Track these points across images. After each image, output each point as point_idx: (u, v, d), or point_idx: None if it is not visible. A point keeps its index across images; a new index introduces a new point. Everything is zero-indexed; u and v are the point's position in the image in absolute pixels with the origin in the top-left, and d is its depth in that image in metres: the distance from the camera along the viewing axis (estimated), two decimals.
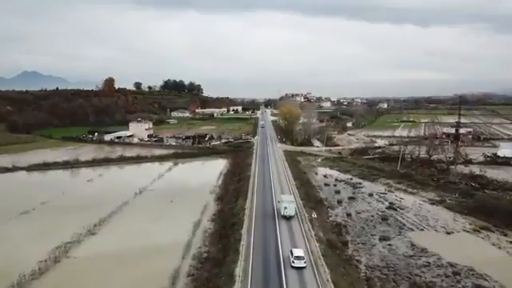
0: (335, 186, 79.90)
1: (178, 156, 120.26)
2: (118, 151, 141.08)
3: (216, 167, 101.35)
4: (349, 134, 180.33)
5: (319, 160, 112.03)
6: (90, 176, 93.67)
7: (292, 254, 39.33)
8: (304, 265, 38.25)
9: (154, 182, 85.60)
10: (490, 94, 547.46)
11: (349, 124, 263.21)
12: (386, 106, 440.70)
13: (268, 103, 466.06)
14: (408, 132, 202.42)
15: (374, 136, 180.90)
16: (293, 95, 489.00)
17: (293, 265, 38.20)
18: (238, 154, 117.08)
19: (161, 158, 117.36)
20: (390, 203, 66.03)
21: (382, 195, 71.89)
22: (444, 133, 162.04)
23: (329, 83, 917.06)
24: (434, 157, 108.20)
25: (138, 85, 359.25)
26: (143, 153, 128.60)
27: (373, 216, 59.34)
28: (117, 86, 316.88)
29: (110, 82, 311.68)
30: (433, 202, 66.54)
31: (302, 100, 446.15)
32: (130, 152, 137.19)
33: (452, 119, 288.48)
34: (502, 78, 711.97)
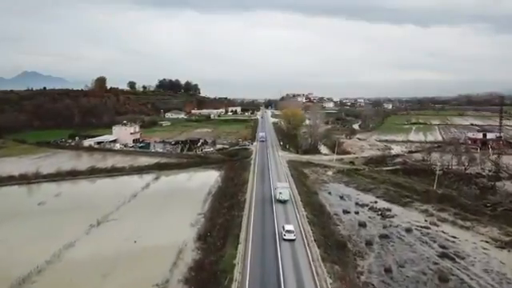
0: (357, 213, 60.80)
1: (162, 167, 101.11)
2: (97, 159, 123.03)
3: (205, 183, 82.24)
4: (359, 139, 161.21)
5: (331, 173, 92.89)
6: (45, 196, 74.38)
7: (284, 228, 44.87)
8: (294, 237, 43.60)
9: (121, 206, 66.48)
10: (496, 95, 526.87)
11: (355, 126, 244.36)
12: (390, 106, 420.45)
13: (268, 104, 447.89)
14: (424, 136, 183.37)
15: (387, 141, 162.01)
16: (294, 95, 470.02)
17: (284, 238, 43.50)
18: (233, 165, 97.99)
19: (140, 170, 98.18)
20: (440, 247, 46.78)
21: (425, 231, 52.68)
22: (469, 138, 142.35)
23: (329, 84, 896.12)
24: (469, 169, 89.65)
25: (131, 84, 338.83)
26: (122, 162, 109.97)
27: (424, 273, 40.11)
28: (113, 85, 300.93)
29: (101, 81, 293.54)
30: (501, 245, 47.33)
31: (304, 100, 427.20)
32: (110, 160, 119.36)
33: (464, 121, 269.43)
34: (504, 79, 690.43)
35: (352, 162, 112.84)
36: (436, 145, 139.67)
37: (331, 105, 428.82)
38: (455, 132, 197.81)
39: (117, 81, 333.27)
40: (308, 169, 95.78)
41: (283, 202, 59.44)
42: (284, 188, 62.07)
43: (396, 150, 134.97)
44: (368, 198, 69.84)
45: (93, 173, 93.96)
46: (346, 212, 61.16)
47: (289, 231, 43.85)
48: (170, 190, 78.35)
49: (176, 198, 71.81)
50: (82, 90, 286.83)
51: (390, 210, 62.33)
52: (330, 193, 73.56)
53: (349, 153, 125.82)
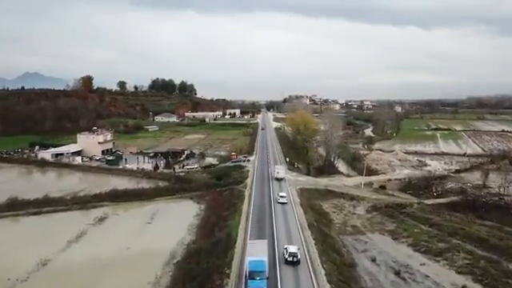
0: None
1: (120, 197, 70.81)
2: (46, 179, 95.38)
3: (169, 233, 52.33)
4: (381, 151, 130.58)
5: (363, 211, 62.44)
6: None
7: (278, 194, 57.70)
8: (286, 201, 55.94)
9: None
10: (506, 97, 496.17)
11: (367, 131, 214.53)
12: (399, 109, 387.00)
13: (270, 106, 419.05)
14: (456, 146, 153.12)
15: (417, 153, 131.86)
16: (297, 97, 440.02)
17: (278, 201, 55.59)
18: (219, 198, 67.49)
19: (86, 203, 67.89)
20: None
21: None
22: None
23: (331, 85, 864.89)
24: None
25: (121, 84, 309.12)
26: (73, 185, 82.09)
27: None
28: (112, 86, 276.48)
29: (86, 80, 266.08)
30: None
31: (308, 102, 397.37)
32: (65, 180, 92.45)
33: (491, 126, 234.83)
34: (508, 81, 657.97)
35: (383, 187, 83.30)
36: (482, 160, 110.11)
37: (337, 107, 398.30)
38: (490, 140, 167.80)
39: (116, 81, 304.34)
40: (328, 202, 65.53)
41: (280, 179, 71.53)
42: (281, 169, 75.92)
43: (434, 166, 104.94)
44: (445, 275, 39.70)
45: (12, 208, 63.80)
46: None
47: (282, 196, 57.75)
48: (108, 249, 47.99)
49: (109, 273, 41.61)
50: (63, 90, 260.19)
51: None
52: (374, 260, 43.36)
53: (376, 172, 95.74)
